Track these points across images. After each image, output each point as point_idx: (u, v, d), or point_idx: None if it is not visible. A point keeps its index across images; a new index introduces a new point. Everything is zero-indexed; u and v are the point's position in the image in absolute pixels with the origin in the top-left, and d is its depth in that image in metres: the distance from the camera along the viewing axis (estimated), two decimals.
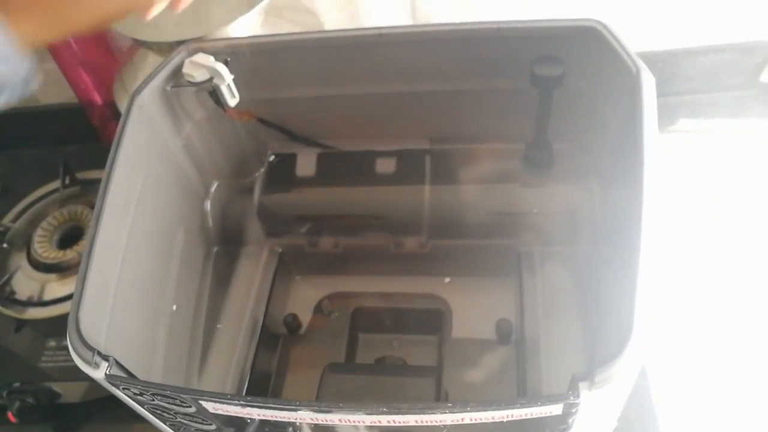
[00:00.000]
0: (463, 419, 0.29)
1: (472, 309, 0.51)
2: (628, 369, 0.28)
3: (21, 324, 0.81)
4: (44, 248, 0.87)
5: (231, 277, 0.53)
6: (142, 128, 0.44)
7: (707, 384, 0.71)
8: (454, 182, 0.51)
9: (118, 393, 0.34)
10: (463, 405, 0.28)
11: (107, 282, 0.38)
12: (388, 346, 0.51)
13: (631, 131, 0.38)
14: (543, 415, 0.29)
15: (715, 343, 0.73)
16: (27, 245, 0.88)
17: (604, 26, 0.41)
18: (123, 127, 0.42)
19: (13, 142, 1.00)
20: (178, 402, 0.32)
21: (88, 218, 0.87)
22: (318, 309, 0.52)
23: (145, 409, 0.35)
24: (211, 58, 0.45)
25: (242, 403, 0.30)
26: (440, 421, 0.29)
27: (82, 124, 0.91)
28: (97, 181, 0.92)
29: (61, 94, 0.95)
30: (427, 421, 0.29)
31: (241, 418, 0.33)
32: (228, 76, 0.45)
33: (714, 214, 0.81)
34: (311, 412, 0.30)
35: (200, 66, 0.45)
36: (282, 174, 0.53)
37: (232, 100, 0.47)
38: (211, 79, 0.46)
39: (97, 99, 0.90)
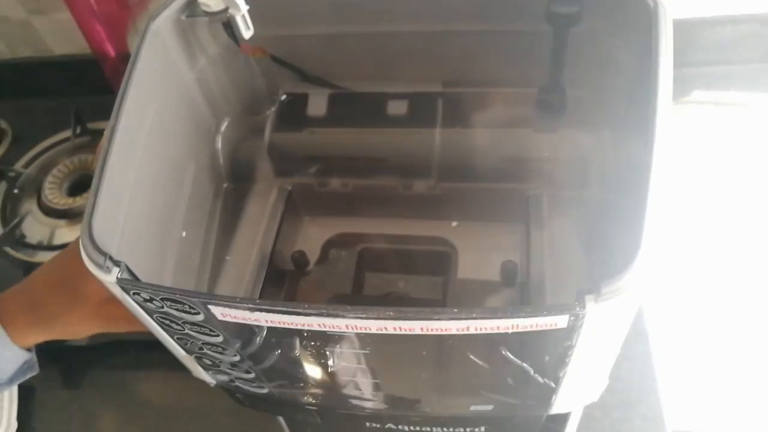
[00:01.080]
0: (468, 328, 0.30)
1: (479, 252, 0.51)
2: (634, 283, 0.29)
3: (30, 267, 0.82)
4: (54, 195, 0.88)
5: (240, 213, 0.53)
6: (156, 56, 0.44)
7: (708, 347, 0.72)
8: (465, 126, 0.51)
9: (128, 300, 0.34)
10: (469, 312, 0.29)
11: (120, 195, 0.38)
12: (393, 285, 0.51)
13: (646, 72, 0.38)
14: (548, 328, 0.29)
15: (718, 308, 0.73)
16: (38, 191, 0.89)
17: None
18: (137, 52, 0.43)
19: (26, 92, 1.01)
20: (187, 308, 0.33)
21: None
22: (326, 248, 0.53)
23: (153, 319, 0.35)
24: None
25: (251, 306, 0.30)
26: (445, 329, 0.30)
27: (94, 75, 0.92)
28: None
29: (74, 44, 0.95)
30: (432, 329, 0.30)
31: (250, 328, 0.34)
32: (243, 6, 0.45)
33: (725, 187, 0.81)
34: (319, 317, 0.30)
35: None
36: (293, 113, 0.53)
37: (247, 32, 0.47)
38: (226, 9, 0.46)
39: (110, 51, 0.90)
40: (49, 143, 0.93)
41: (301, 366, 0.38)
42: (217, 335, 0.35)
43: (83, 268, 0.33)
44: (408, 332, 0.30)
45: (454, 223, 0.54)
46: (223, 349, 0.37)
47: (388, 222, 0.54)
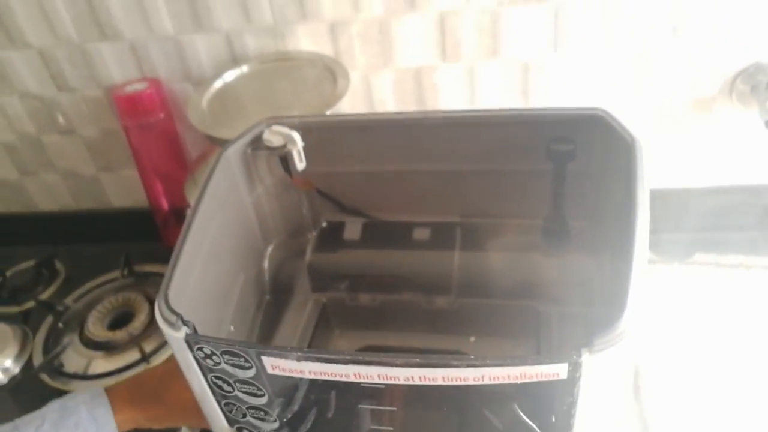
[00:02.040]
0: (483, 377, 0.34)
1: None
2: (623, 336, 0.34)
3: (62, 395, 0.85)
4: (96, 328, 0.94)
5: (278, 322, 0.59)
6: (225, 178, 0.54)
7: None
8: (481, 250, 0.59)
9: (189, 359, 0.39)
10: (483, 359, 0.34)
11: (188, 276, 0.45)
12: None
13: (629, 199, 0.46)
14: (550, 378, 0.34)
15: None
16: (81, 325, 0.96)
17: (607, 113, 0.51)
18: (212, 171, 0.52)
19: (82, 238, 1.12)
20: (242, 361, 0.38)
21: (140, 304, 0.95)
22: None
23: (208, 381, 0.40)
24: (287, 128, 0.56)
25: (299, 355, 0.36)
26: (463, 379, 0.34)
27: (146, 225, 1.03)
28: (154, 274, 1.01)
29: (131, 198, 1.07)
30: (453, 378, 0.35)
31: (292, 388, 0.38)
32: (299, 142, 0.56)
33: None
34: (356, 365, 0.35)
35: (278, 134, 0.56)
36: (331, 238, 0.62)
37: (300, 164, 0.58)
38: (285, 145, 0.56)
39: (164, 204, 1.03)
40: (97, 282, 1.01)
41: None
42: (263, 395, 0.40)
43: None
44: (430, 382, 0.35)
45: (473, 338, 0.59)
46: (266, 413, 0.41)
47: (412, 336, 0.59)
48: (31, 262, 1.08)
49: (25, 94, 0.95)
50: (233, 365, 0.38)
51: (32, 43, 0.89)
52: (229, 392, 0.40)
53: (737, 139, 0.88)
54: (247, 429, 0.43)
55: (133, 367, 0.86)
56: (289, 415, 0.40)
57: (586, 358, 0.34)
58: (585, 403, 0.36)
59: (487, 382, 0.35)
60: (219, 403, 0.42)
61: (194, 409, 0.51)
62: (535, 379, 0.34)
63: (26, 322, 0.97)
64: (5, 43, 0.89)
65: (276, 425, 0.42)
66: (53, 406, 0.55)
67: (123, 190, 1.06)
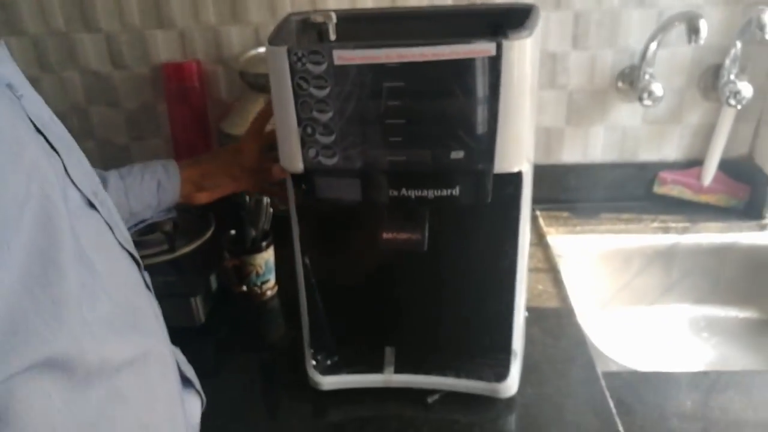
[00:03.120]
0: (440, 53, 0.59)
1: None
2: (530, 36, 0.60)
3: None
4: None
5: None
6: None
7: None
8: None
9: (285, 65, 0.62)
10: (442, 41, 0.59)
11: None
12: None
13: None
14: (485, 54, 0.58)
15: None
16: None
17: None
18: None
19: None
20: (320, 57, 0.61)
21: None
22: None
23: (294, 83, 0.62)
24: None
25: (360, 45, 0.60)
26: (432, 54, 0.59)
27: None
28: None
29: None
30: (425, 54, 0.59)
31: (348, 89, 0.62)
32: (334, 18, 0.83)
33: None
34: (380, 49, 0.59)
35: (319, 14, 0.83)
36: None
37: (333, 36, 0.84)
38: (324, 22, 0.83)
39: None
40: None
41: (362, 124, 0.63)
42: (327, 87, 0.63)
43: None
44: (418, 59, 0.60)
45: None
46: (326, 104, 0.63)
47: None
48: None
49: (85, 70, 1.20)
50: (312, 63, 0.62)
51: (102, 27, 1.17)
52: (305, 89, 0.63)
53: (624, 124, 1.21)
54: (309, 126, 0.65)
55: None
56: (340, 102, 0.62)
57: (507, 42, 0.59)
58: (507, 79, 0.60)
59: (446, 57, 0.59)
60: (297, 101, 0.64)
61: (241, 165, 0.77)
62: (475, 55, 0.59)
63: None
64: (80, 27, 1.17)
65: (330, 114, 0.64)
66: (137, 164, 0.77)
67: (149, 156, 1.28)
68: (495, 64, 0.59)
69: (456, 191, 0.65)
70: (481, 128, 0.62)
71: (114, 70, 1.20)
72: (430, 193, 0.66)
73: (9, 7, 1.13)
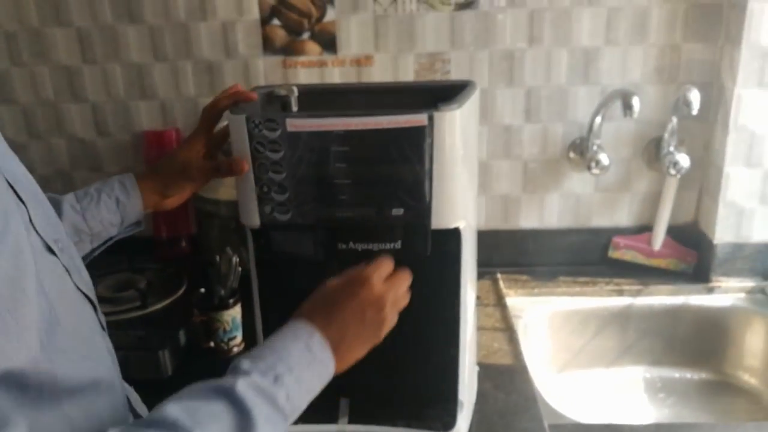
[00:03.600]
0: (380, 122, 0.67)
1: None
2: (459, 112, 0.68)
3: None
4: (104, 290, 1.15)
5: None
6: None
7: None
8: None
9: (244, 131, 0.70)
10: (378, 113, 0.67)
11: None
12: None
13: None
14: (415, 124, 0.66)
15: None
16: None
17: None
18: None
19: None
20: (274, 125, 0.69)
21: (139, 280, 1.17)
22: None
23: (252, 147, 0.69)
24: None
25: (310, 115, 0.68)
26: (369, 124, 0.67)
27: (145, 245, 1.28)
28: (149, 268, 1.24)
29: None
30: (362, 124, 0.67)
31: (298, 155, 0.69)
32: (296, 92, 0.92)
33: None
34: (328, 119, 0.67)
35: (283, 88, 0.92)
36: None
37: (294, 107, 0.92)
38: (287, 95, 0.92)
39: (163, 231, 1.30)
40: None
41: (313, 183, 0.70)
42: (280, 151, 0.70)
43: None
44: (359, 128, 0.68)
45: None
46: (280, 166, 0.70)
47: None
48: None
49: (72, 137, 1.28)
50: (268, 129, 0.69)
51: (89, 97, 1.26)
52: (262, 152, 0.70)
53: (578, 191, 1.29)
54: (265, 185, 0.71)
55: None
56: (292, 165, 0.69)
57: (438, 114, 0.67)
58: (439, 146, 0.67)
59: (384, 126, 0.67)
60: (254, 164, 0.71)
61: (192, 166, 0.78)
62: (410, 124, 0.67)
63: None
64: (69, 98, 1.26)
65: (283, 175, 0.70)
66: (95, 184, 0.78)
67: None
68: (428, 132, 0.67)
69: (398, 245, 0.71)
70: (418, 188, 0.69)
71: (98, 137, 1.28)
72: (375, 246, 0.72)
73: (2, 78, 1.22)
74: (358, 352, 0.61)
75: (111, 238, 0.80)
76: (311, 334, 0.58)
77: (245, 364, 0.53)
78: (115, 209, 0.77)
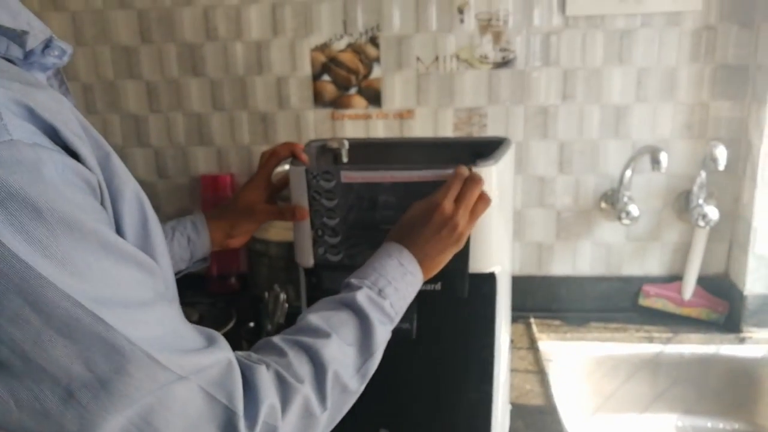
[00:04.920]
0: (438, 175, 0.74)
1: None
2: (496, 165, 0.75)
3: None
4: None
5: None
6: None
7: None
8: None
9: (303, 181, 0.78)
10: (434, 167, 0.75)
11: None
12: None
13: None
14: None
15: None
16: None
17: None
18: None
19: None
20: (329, 176, 0.77)
21: None
22: None
23: (309, 195, 0.78)
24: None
25: (363, 167, 0.76)
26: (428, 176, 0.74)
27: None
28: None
29: None
30: (423, 176, 0.74)
31: (352, 198, 0.77)
32: (347, 145, 1.00)
33: None
34: (378, 171, 0.75)
35: (334, 141, 1.00)
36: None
37: (345, 158, 1.01)
38: (338, 147, 1.00)
39: (214, 270, 1.39)
40: None
41: (362, 228, 0.77)
42: (335, 199, 0.78)
43: None
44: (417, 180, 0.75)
45: None
46: (333, 213, 0.78)
47: None
48: None
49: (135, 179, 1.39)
50: (324, 180, 0.77)
51: (153, 143, 1.37)
52: (318, 200, 0.78)
53: (609, 241, 1.34)
54: (320, 229, 0.79)
55: None
56: (345, 212, 0.77)
57: (476, 169, 0.74)
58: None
59: (427, 179, 0.74)
60: (311, 210, 0.79)
61: (257, 210, 0.86)
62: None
63: None
64: (134, 143, 1.37)
65: (336, 221, 0.78)
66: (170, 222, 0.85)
67: None
68: None
69: (438, 286, 0.78)
70: None
71: (159, 180, 1.38)
72: None
73: None
74: (442, 261, 0.72)
75: (179, 272, 0.88)
76: (401, 251, 0.69)
77: (355, 281, 0.66)
78: (186, 246, 0.85)
